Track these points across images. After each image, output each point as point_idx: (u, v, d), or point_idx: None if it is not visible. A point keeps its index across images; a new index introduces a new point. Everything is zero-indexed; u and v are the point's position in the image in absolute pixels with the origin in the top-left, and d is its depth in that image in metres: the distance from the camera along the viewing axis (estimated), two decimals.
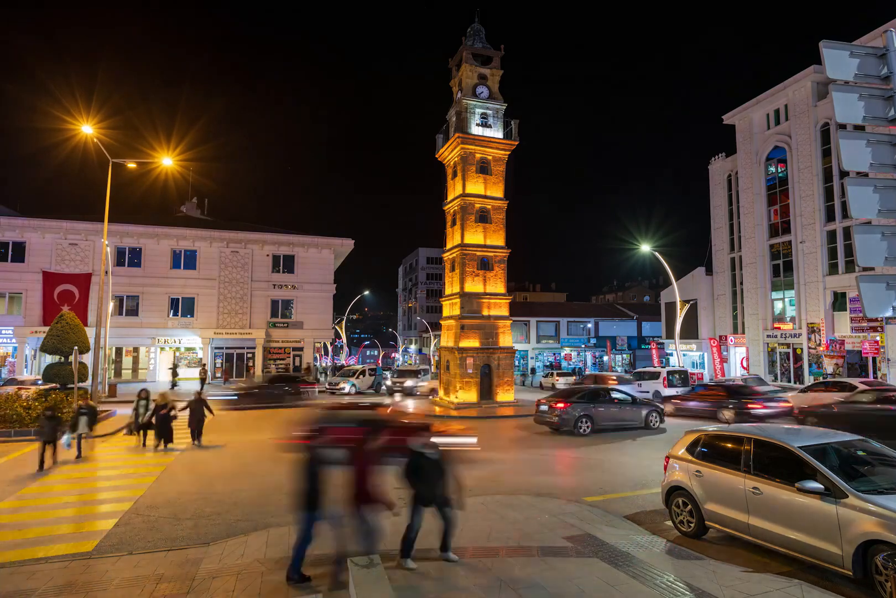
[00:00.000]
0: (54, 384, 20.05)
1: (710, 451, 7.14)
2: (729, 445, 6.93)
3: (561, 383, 33.04)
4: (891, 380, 23.48)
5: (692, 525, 7.08)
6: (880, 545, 5.04)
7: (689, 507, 7.13)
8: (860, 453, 6.45)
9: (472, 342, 24.22)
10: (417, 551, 6.57)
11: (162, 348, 35.04)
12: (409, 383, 30.93)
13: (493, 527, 7.39)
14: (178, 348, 35.50)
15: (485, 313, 24.77)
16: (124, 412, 20.68)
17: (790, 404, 17.44)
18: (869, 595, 5.26)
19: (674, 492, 7.42)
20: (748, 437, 6.68)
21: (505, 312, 25.43)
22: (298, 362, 37.20)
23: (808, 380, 27.40)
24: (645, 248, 31.07)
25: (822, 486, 5.58)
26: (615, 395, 17.72)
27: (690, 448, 7.42)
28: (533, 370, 48.92)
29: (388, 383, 32.05)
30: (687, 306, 33.66)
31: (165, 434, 13.74)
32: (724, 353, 34.82)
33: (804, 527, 5.69)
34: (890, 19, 24.43)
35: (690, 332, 37.43)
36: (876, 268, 18.95)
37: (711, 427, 7.78)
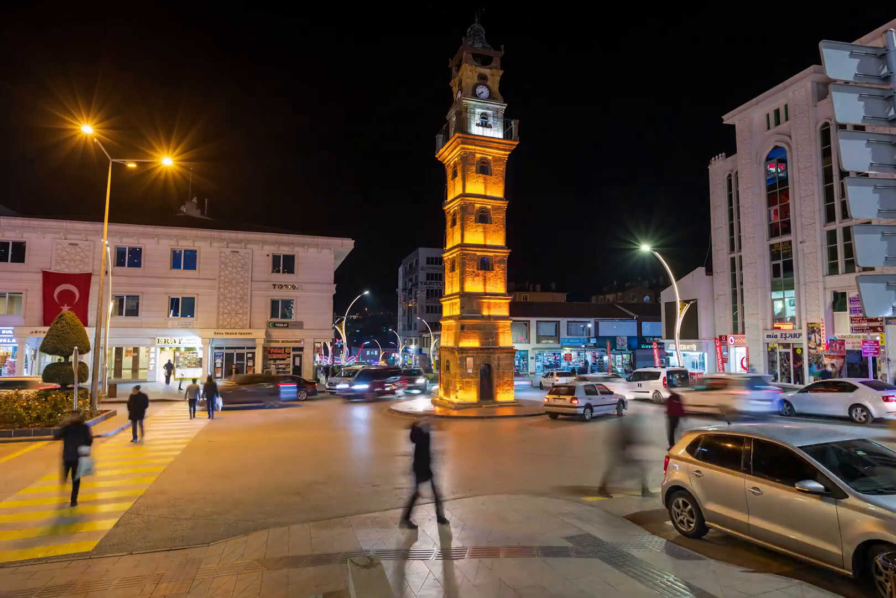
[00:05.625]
0: (54, 384, 20.04)
1: (710, 451, 7.16)
2: (729, 445, 6.95)
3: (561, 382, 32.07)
4: (890, 380, 23.47)
5: (692, 525, 7.09)
6: (880, 545, 5.03)
7: (690, 507, 7.13)
8: (860, 453, 6.44)
9: (472, 342, 24.21)
10: (418, 551, 6.58)
11: (162, 348, 35.03)
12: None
13: (493, 527, 7.40)
14: (178, 348, 35.51)
15: (485, 313, 24.76)
16: (124, 413, 20.67)
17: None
18: (869, 596, 5.26)
19: (674, 492, 7.43)
20: (748, 437, 6.69)
21: (505, 312, 25.42)
22: (298, 362, 37.22)
23: (808, 380, 27.40)
24: (645, 248, 31.06)
25: (821, 486, 5.59)
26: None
27: (690, 448, 7.43)
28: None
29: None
30: (687, 305, 33.65)
31: None
32: (725, 353, 34.85)
33: (804, 527, 5.70)
34: (890, 19, 24.44)
35: (690, 332, 37.44)
36: (876, 268, 18.95)
37: (711, 427, 7.79)
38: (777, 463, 6.22)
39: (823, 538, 5.50)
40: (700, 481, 7.01)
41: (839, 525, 5.37)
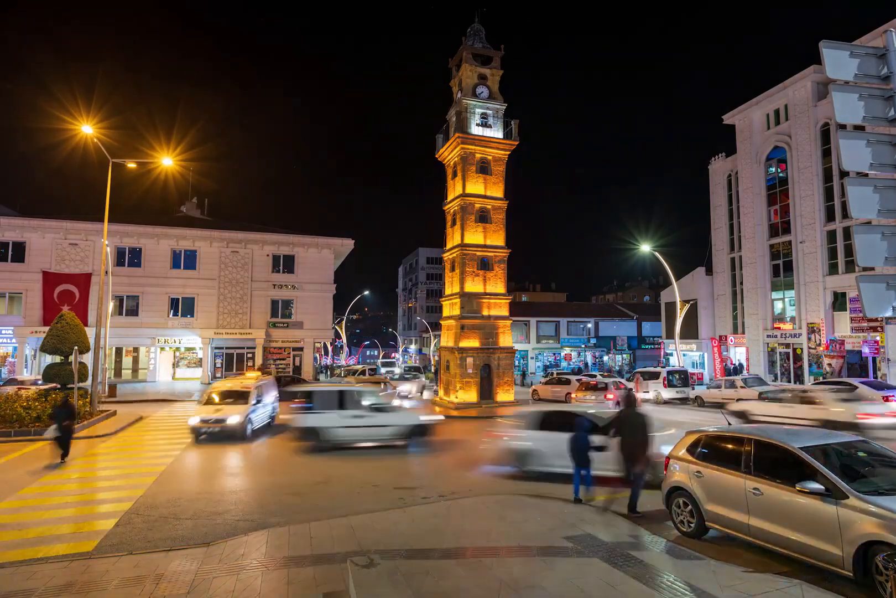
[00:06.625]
0: (54, 384, 20.03)
1: (710, 452, 7.17)
2: (730, 446, 6.95)
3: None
4: (891, 380, 23.46)
5: (692, 525, 7.10)
6: (881, 546, 5.03)
7: (690, 507, 7.12)
8: (860, 454, 6.44)
9: (472, 342, 24.21)
10: (418, 551, 6.58)
11: (162, 348, 35.04)
12: None
13: (493, 527, 7.39)
14: (178, 348, 35.51)
15: (485, 313, 24.76)
16: (124, 412, 20.67)
17: None
18: (869, 596, 5.26)
19: (674, 492, 7.43)
20: (749, 438, 6.69)
21: (505, 312, 25.42)
22: (299, 362, 37.22)
23: (808, 380, 27.40)
24: (645, 248, 31.06)
25: (822, 487, 5.59)
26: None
27: (691, 449, 7.44)
28: (523, 373, 43.27)
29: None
30: (687, 305, 33.65)
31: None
32: (725, 353, 34.83)
33: (804, 528, 5.71)
34: (890, 19, 24.43)
35: (690, 332, 37.42)
36: (876, 268, 18.92)
37: (712, 428, 7.79)
38: (778, 464, 6.22)
39: (824, 539, 5.50)
40: (700, 481, 7.02)
41: (840, 526, 5.36)
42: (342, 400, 14.28)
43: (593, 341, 53.65)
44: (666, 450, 8.14)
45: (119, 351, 34.40)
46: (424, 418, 14.92)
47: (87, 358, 22.52)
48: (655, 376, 26.08)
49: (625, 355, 53.80)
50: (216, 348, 35.89)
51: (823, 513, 5.54)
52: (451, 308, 26.00)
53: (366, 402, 14.32)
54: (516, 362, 39.61)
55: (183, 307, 35.27)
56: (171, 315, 34.91)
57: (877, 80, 4.57)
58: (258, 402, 16.54)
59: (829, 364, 27.23)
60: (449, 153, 26.46)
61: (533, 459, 10.76)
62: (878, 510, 5.16)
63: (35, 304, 32.10)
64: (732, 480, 6.57)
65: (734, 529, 6.54)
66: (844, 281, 27.23)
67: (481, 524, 7.52)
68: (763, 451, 6.44)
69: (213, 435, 14.94)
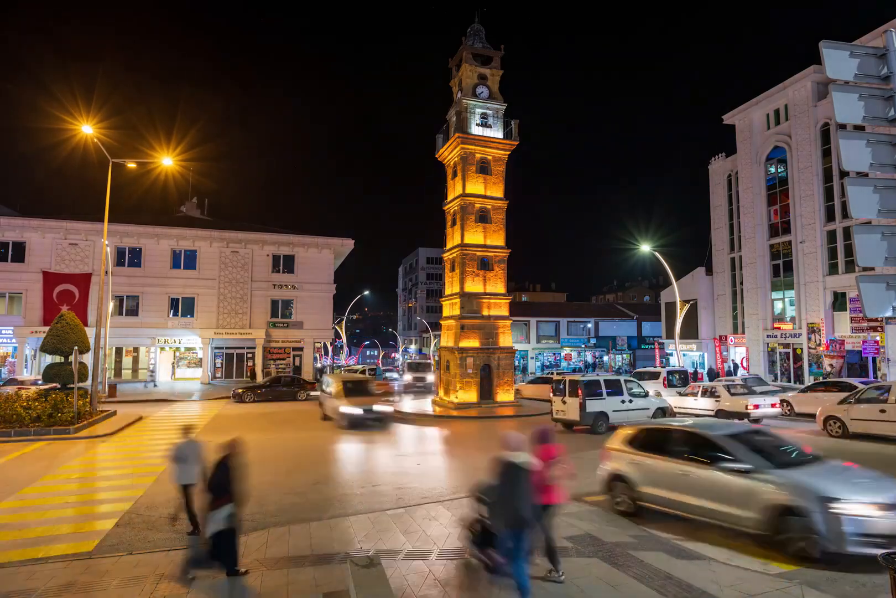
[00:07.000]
0: (54, 384, 20.02)
1: (644, 442, 8.24)
2: (661, 437, 8.13)
3: None
4: (891, 380, 23.46)
5: (630, 506, 7.99)
6: (784, 507, 6.19)
7: (627, 491, 8.02)
8: (763, 438, 7.71)
9: (472, 342, 24.20)
10: (418, 551, 6.58)
11: (162, 348, 35.04)
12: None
13: None
14: (178, 348, 35.51)
15: (485, 313, 24.75)
16: (124, 412, 20.65)
17: None
18: (870, 594, 5.26)
19: (613, 479, 8.35)
20: (676, 429, 8.04)
21: (505, 312, 25.42)
22: (298, 362, 37.22)
23: (808, 380, 27.40)
24: (645, 248, 31.03)
25: (735, 465, 6.80)
26: None
27: (627, 440, 8.48)
28: (524, 370, 46.27)
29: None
30: (687, 305, 33.62)
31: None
32: (724, 353, 34.85)
33: (724, 499, 6.78)
34: (890, 19, 24.44)
35: (690, 332, 37.42)
36: (876, 268, 18.92)
37: (646, 423, 9.27)
38: (701, 449, 7.37)
39: (739, 507, 6.61)
40: (637, 468, 8.00)
41: (750, 494, 6.51)
42: (619, 388, 16.79)
43: (593, 341, 53.67)
44: None
45: (119, 351, 34.40)
46: (664, 403, 17.91)
47: (87, 358, 22.51)
48: (655, 376, 26.15)
49: (625, 355, 53.82)
50: (216, 348, 35.89)
51: (737, 485, 6.68)
52: (451, 308, 25.99)
53: (633, 390, 17.08)
54: (516, 363, 39.45)
55: (183, 307, 35.27)
56: (171, 315, 34.91)
57: (877, 80, 4.56)
58: None
59: (830, 364, 27.25)
60: (449, 153, 26.46)
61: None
62: (777, 480, 6.43)
63: (35, 304, 32.10)
64: (664, 465, 7.63)
65: (667, 506, 7.53)
66: (844, 281, 27.24)
67: None
68: (689, 439, 7.67)
69: None
